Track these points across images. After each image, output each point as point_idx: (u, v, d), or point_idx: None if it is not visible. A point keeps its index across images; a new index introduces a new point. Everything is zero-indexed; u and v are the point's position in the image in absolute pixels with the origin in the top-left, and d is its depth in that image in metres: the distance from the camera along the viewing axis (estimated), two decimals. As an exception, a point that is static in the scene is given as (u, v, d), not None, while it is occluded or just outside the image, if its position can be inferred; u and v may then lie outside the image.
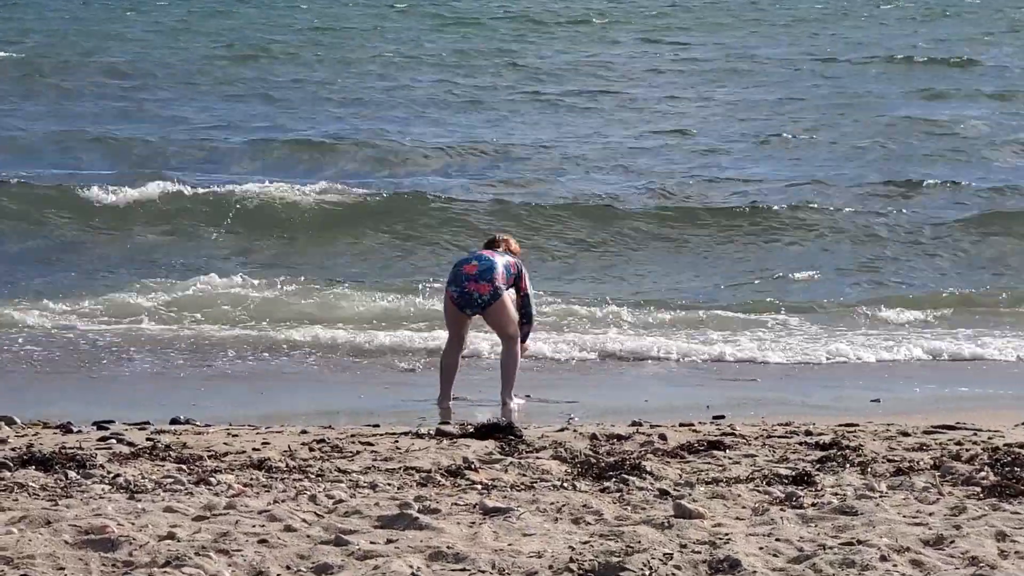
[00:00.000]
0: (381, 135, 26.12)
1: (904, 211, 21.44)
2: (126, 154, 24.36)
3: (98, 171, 22.79)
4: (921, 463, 9.02)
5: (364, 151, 24.93)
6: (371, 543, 6.93)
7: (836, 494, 8.15)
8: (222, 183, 21.78)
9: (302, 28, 42.07)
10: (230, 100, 29.82)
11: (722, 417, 11.28)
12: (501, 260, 11.93)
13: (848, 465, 8.95)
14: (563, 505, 7.76)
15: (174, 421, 10.83)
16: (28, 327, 14.89)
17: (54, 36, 38.79)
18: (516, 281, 12.01)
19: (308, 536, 7.05)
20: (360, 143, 25.39)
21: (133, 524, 7.14)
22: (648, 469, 8.67)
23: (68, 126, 26.31)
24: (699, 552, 6.86)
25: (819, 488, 8.29)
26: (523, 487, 8.29)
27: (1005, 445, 9.58)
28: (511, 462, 8.94)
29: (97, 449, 9.18)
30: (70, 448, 9.06)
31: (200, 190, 21.25)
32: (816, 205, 21.39)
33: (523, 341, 12.14)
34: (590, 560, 6.70)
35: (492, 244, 12.28)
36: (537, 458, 9.09)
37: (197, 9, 45.87)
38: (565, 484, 8.36)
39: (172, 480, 8.24)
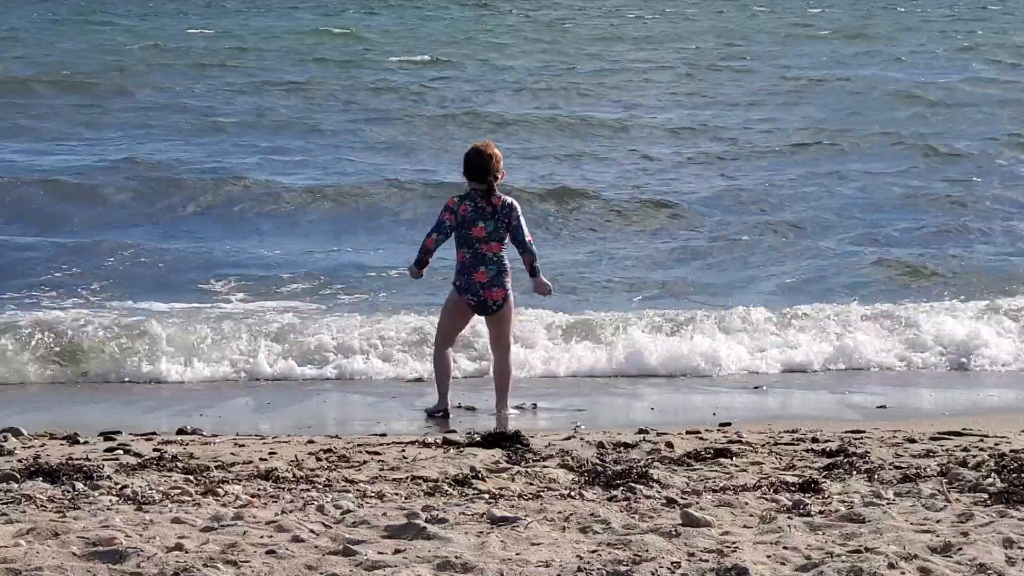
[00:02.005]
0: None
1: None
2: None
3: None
4: (928, 470, 9.02)
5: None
6: (379, 553, 6.93)
7: (843, 501, 8.15)
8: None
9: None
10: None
11: (728, 424, 11.27)
12: (497, 243, 11.83)
13: (855, 472, 8.95)
14: (571, 514, 7.76)
15: (181, 431, 10.84)
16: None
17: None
18: (508, 220, 11.92)
19: (316, 547, 7.06)
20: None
21: (141, 535, 7.15)
22: (655, 477, 8.67)
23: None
24: (707, 560, 6.87)
25: (826, 495, 8.29)
26: (530, 496, 8.30)
27: (1012, 451, 9.57)
28: (518, 471, 8.94)
29: (104, 460, 9.18)
30: (77, 459, 9.07)
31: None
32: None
33: (533, 272, 12.05)
34: (598, 569, 6.71)
35: (482, 172, 11.79)
36: (544, 467, 9.09)
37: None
38: (572, 493, 8.36)
39: (179, 491, 8.24)
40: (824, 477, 8.79)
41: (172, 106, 30.09)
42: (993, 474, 8.79)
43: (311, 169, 24.10)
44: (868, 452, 9.60)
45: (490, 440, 9.86)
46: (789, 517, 7.76)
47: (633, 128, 28.91)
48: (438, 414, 11.95)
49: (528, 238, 11.97)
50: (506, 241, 11.91)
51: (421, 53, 41.15)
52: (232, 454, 9.53)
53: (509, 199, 11.98)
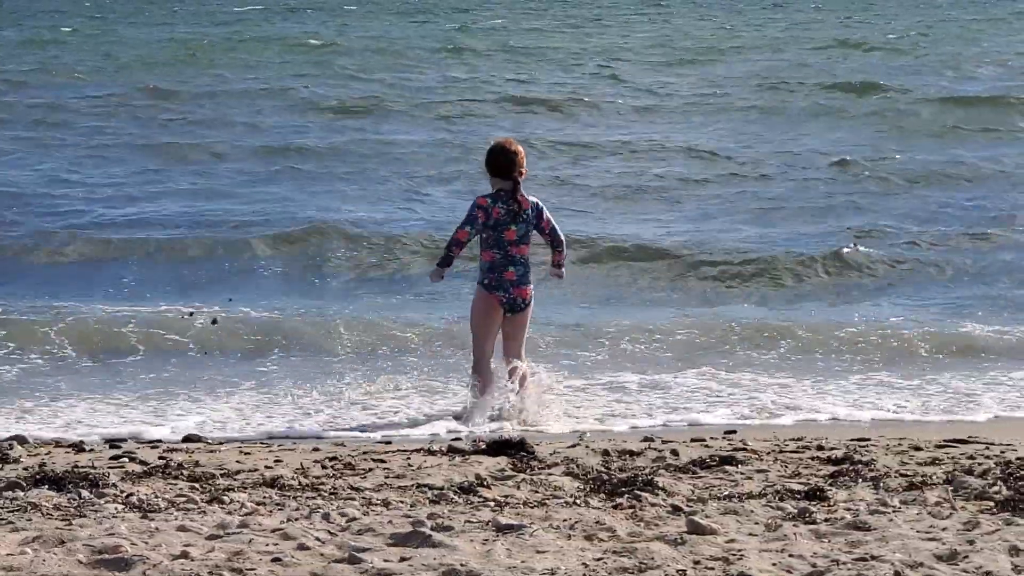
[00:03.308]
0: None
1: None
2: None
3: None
4: (934, 477, 9.02)
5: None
6: (385, 561, 6.94)
7: (849, 509, 8.15)
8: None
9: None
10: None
11: (734, 432, 11.28)
12: (526, 246, 11.93)
13: (861, 480, 8.95)
14: (576, 522, 7.77)
15: (187, 439, 10.85)
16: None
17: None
18: (538, 222, 12.07)
19: (322, 554, 7.07)
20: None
21: (147, 543, 7.16)
22: (660, 485, 8.67)
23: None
24: (712, 568, 6.87)
25: (832, 503, 8.29)
26: (536, 504, 8.30)
27: (1018, 459, 9.56)
28: (523, 479, 8.94)
29: (110, 468, 9.19)
30: (83, 467, 9.07)
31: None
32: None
33: (559, 265, 12.25)
34: (603, 577, 6.72)
35: (508, 168, 11.90)
36: (549, 475, 9.10)
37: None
38: (578, 500, 8.36)
39: (185, 499, 8.26)
40: (830, 485, 8.78)
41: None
42: (999, 482, 8.79)
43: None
44: (874, 460, 9.59)
45: (495, 448, 9.87)
46: (795, 525, 7.76)
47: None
48: (462, 420, 11.88)
49: (562, 236, 12.21)
50: (531, 242, 12.04)
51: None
52: (237, 462, 9.54)
53: (534, 199, 12.10)
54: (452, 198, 22.35)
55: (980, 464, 9.42)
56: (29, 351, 13.93)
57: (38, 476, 8.67)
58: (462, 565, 6.84)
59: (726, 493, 8.61)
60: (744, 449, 10.07)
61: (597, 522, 7.76)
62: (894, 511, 8.10)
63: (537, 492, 8.62)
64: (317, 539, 7.34)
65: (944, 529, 7.69)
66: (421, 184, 23.69)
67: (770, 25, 59.61)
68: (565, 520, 7.81)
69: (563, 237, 12.24)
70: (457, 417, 11.97)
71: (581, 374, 13.51)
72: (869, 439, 10.61)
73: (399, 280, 18.07)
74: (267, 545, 7.19)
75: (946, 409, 12.70)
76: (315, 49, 45.68)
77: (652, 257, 18.77)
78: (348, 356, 14.23)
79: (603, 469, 9.26)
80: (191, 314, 15.05)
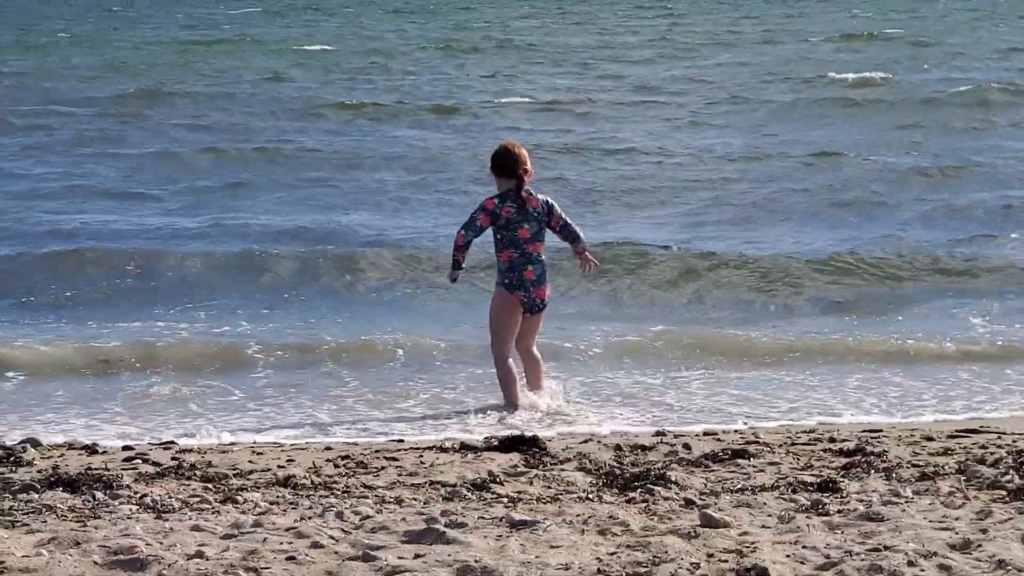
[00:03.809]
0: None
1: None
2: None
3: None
4: (946, 467, 9.03)
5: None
6: (399, 558, 6.95)
7: (862, 500, 8.16)
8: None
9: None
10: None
11: (745, 425, 11.28)
12: (540, 243, 11.97)
13: (873, 471, 8.96)
14: (589, 517, 7.78)
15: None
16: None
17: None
18: (548, 220, 12.10)
19: (336, 552, 7.08)
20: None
21: (161, 543, 7.18)
22: (673, 479, 8.69)
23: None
24: (726, 561, 6.88)
25: (844, 495, 8.30)
26: (549, 499, 8.31)
27: (1030, 448, 9.58)
28: (536, 474, 8.96)
29: (123, 469, 9.22)
30: (96, 469, 9.10)
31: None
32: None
33: (582, 250, 12.21)
34: (617, 571, 6.72)
35: (512, 167, 11.96)
36: (562, 470, 9.11)
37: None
38: (590, 495, 8.38)
39: (199, 499, 8.28)
40: (842, 476, 8.80)
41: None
42: (1011, 471, 8.80)
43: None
44: (886, 451, 9.60)
45: (507, 444, 9.88)
46: (808, 517, 7.77)
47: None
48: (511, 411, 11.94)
49: (577, 229, 12.20)
50: (546, 239, 12.08)
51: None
52: (250, 462, 9.56)
53: (543, 197, 12.15)
54: (452, 197, 22.37)
55: (992, 453, 9.43)
56: (27, 361, 13.89)
57: (52, 478, 8.70)
58: (476, 561, 6.85)
59: (739, 486, 8.62)
60: (756, 442, 10.08)
61: (610, 516, 7.77)
62: (907, 501, 8.12)
63: (550, 488, 8.63)
64: (331, 537, 7.35)
65: (957, 519, 7.70)
66: (422, 187, 23.66)
67: (772, 20, 59.66)
68: (578, 515, 7.83)
69: (578, 229, 12.21)
70: (478, 414, 12.02)
71: (588, 376, 13.50)
72: (881, 430, 10.63)
73: (396, 285, 18.00)
74: (281, 544, 7.21)
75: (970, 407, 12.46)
76: (311, 51, 45.76)
77: (655, 260, 18.67)
78: (348, 361, 14.17)
79: (616, 464, 9.27)
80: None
